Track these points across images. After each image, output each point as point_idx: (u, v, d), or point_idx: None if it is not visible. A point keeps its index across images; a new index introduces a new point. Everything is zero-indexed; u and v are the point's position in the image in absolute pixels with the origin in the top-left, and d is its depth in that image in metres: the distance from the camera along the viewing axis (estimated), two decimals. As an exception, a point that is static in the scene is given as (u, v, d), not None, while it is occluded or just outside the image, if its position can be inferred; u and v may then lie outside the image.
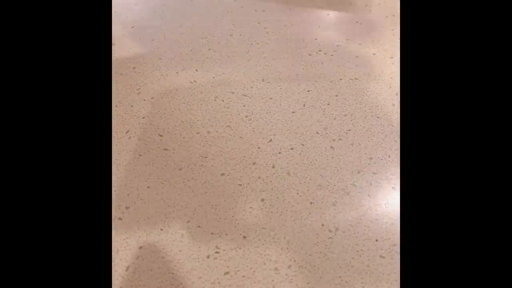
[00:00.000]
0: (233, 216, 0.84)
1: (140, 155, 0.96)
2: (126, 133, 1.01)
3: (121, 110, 1.06)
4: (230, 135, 1.00)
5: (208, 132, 1.01)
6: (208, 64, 1.19)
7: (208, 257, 0.79)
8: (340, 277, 0.76)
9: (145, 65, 1.20)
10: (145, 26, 1.35)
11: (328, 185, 0.89)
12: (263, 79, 1.14)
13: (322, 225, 0.83)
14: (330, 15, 1.38)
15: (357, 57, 1.21)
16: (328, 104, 1.07)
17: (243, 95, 1.10)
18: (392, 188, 0.89)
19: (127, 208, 0.86)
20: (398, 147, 0.96)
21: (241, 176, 0.91)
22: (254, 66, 1.18)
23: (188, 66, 1.19)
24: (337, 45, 1.25)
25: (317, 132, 1.00)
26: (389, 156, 0.94)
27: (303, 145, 0.97)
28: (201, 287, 0.75)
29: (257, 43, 1.26)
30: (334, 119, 1.03)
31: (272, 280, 0.75)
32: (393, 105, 1.06)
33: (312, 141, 0.98)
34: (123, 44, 1.28)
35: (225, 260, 0.78)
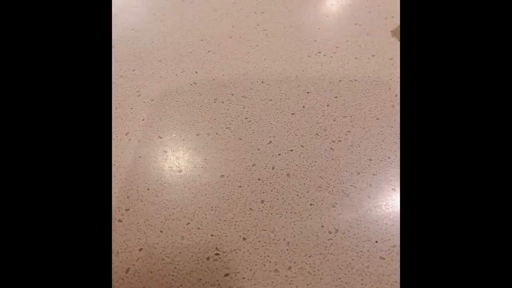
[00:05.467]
0: (232, 218, 0.84)
1: (140, 157, 0.96)
2: (126, 135, 1.01)
3: (121, 112, 1.07)
4: (230, 136, 1.00)
5: (208, 134, 1.01)
6: (208, 66, 1.20)
7: (208, 259, 0.79)
8: (340, 278, 0.76)
9: (145, 67, 1.20)
10: (145, 29, 1.35)
11: (328, 187, 0.89)
12: (262, 81, 1.14)
13: (322, 226, 0.83)
14: (329, 17, 1.38)
15: (356, 58, 1.21)
16: (328, 106, 1.07)
17: (242, 97, 1.10)
18: (392, 189, 0.89)
19: (127, 210, 0.86)
20: (398, 148, 0.97)
21: (241, 178, 0.91)
22: (254, 68, 1.19)
23: (187, 68, 1.19)
24: (337, 47, 1.25)
25: (316, 134, 1.00)
26: (389, 158, 0.95)
27: (302, 146, 0.97)
28: (201, 289, 0.75)
29: (257, 45, 1.27)
30: (334, 120, 1.03)
31: (272, 282, 0.75)
32: (393, 106, 1.07)
33: (311, 142, 0.98)
34: (123, 47, 1.28)
35: (225, 262, 0.78)
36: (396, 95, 1.10)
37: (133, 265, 0.78)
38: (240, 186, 0.90)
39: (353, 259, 0.78)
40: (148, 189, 0.90)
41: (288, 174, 0.92)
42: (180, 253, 0.80)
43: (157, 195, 0.88)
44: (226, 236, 0.82)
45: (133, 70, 1.19)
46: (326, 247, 0.80)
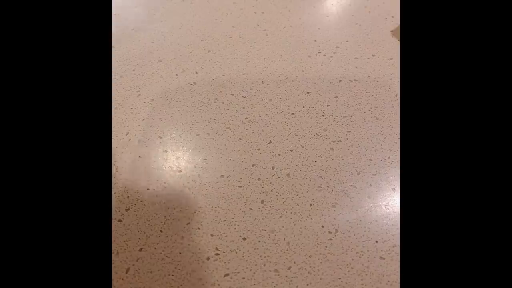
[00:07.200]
0: (232, 218, 0.84)
1: (140, 157, 0.96)
2: (126, 135, 1.01)
3: (121, 112, 1.07)
4: (230, 136, 1.00)
5: (208, 134, 1.01)
6: (208, 66, 1.20)
7: (208, 259, 0.79)
8: (340, 278, 0.76)
9: (145, 67, 1.20)
10: (145, 28, 1.35)
11: (327, 187, 0.89)
12: (262, 81, 1.14)
13: (322, 226, 0.83)
14: (330, 17, 1.38)
15: (356, 58, 1.21)
16: (328, 106, 1.07)
17: (242, 97, 1.10)
18: (392, 189, 0.89)
19: (127, 210, 0.86)
20: (398, 148, 0.97)
21: (241, 178, 0.91)
22: (254, 68, 1.19)
23: (187, 68, 1.19)
24: (337, 47, 1.25)
25: (316, 134, 1.00)
26: (389, 158, 0.95)
27: (302, 146, 0.97)
28: (201, 289, 0.75)
29: (257, 45, 1.27)
30: (334, 120, 1.03)
31: (272, 282, 0.75)
32: (393, 106, 1.07)
33: (311, 142, 0.98)
34: (123, 46, 1.28)
35: (225, 262, 0.78)
36: (396, 95, 1.10)
37: (133, 265, 0.78)
38: (240, 186, 0.90)
39: (353, 259, 0.78)
40: (148, 189, 0.90)
41: (288, 174, 0.92)
42: (180, 253, 0.80)
43: (157, 195, 0.88)
44: (226, 236, 0.82)
45: (133, 70, 1.19)
46: (326, 247, 0.80)
